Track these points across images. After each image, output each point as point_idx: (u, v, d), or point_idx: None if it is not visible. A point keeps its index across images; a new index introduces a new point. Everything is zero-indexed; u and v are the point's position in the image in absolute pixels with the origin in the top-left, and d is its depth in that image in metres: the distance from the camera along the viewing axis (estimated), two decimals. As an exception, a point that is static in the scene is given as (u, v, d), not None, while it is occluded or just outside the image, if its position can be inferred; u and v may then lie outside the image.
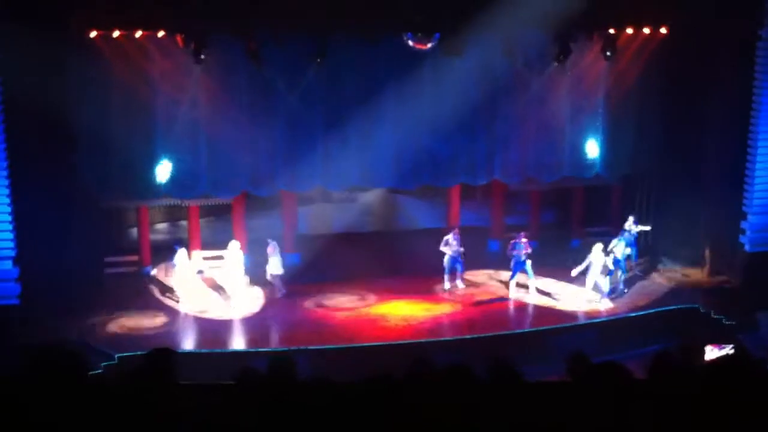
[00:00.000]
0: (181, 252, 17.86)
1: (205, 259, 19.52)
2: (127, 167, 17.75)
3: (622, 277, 18.70)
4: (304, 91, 18.34)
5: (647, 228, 19.64)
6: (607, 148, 20.08)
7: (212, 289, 18.53)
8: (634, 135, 20.02)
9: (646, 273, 19.93)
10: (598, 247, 17.81)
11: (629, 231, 19.06)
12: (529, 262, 18.25)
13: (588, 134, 20.01)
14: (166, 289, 18.36)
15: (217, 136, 18.18)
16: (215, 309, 17.68)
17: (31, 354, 4.65)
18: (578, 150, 20.06)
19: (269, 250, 18.14)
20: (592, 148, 20.08)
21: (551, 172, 20.13)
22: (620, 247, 18.42)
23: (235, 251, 17.70)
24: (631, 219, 19.29)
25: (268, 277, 18.31)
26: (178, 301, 17.84)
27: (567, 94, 19.59)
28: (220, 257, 18.71)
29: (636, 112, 19.92)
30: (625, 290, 18.64)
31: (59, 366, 4.58)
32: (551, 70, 19.15)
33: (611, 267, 18.03)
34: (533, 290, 18.49)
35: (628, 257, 18.99)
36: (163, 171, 18.04)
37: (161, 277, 19.00)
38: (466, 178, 20.03)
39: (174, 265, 17.90)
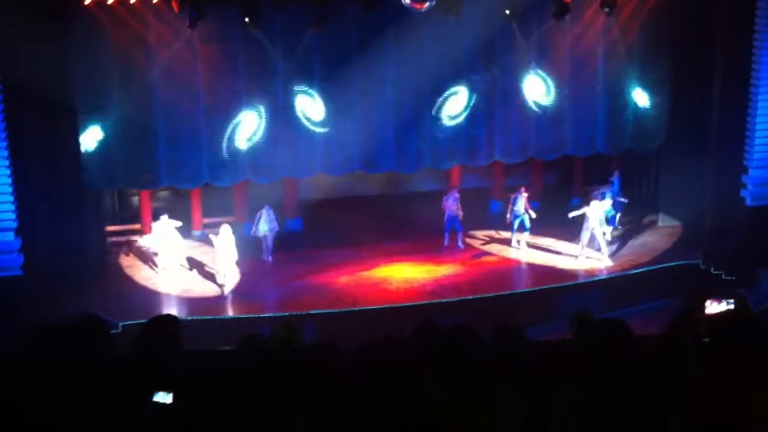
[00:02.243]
0: (164, 219, 17.65)
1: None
2: (127, 148, 17.64)
3: (613, 232, 18.80)
4: (301, 63, 18.16)
5: (624, 200, 19.63)
6: (607, 123, 19.98)
7: (195, 261, 18.44)
8: (635, 107, 19.90)
9: (646, 229, 19.96)
10: (595, 202, 17.85)
11: (616, 187, 19.11)
12: (527, 217, 18.32)
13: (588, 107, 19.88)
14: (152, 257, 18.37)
15: (215, 121, 18.08)
16: (195, 285, 17.49)
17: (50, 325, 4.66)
18: (581, 127, 19.96)
19: (260, 213, 18.04)
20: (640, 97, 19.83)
21: (554, 150, 20.06)
22: (606, 203, 18.48)
23: (225, 235, 17.13)
24: (616, 174, 19.35)
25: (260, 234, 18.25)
26: (156, 269, 17.84)
27: (567, 58, 19.40)
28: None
29: (636, 75, 19.76)
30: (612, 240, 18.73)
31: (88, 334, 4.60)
32: (550, 29, 18.96)
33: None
34: (524, 244, 18.57)
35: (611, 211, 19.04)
36: (90, 138, 17.40)
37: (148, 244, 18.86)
38: (466, 160, 19.84)
39: (155, 233, 17.80)
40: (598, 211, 17.76)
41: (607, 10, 18.52)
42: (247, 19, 16.98)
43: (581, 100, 19.78)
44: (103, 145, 17.47)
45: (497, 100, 19.41)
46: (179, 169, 18.19)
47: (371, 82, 18.46)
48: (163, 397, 4.47)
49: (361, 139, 18.81)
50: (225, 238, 17.05)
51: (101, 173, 17.66)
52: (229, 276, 17.26)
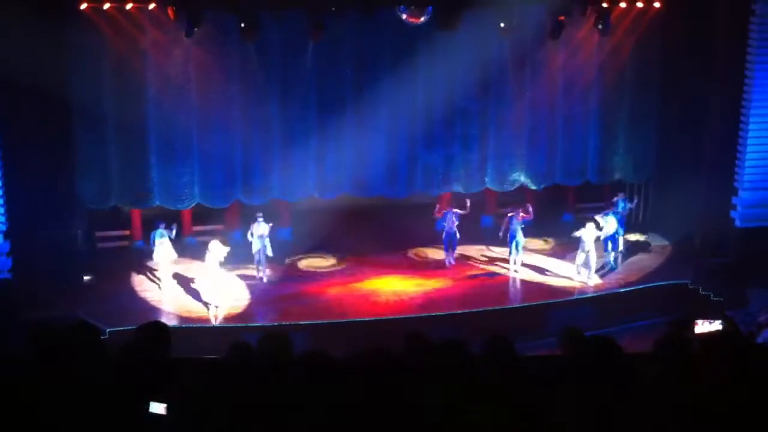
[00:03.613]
0: (162, 231, 17.33)
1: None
2: (121, 165, 17.76)
3: (614, 254, 18.75)
4: (296, 85, 18.29)
5: (631, 205, 19.63)
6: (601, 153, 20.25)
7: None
8: (629, 139, 20.14)
9: (636, 249, 20.00)
10: (591, 225, 17.84)
11: (618, 208, 19.01)
12: (522, 239, 18.27)
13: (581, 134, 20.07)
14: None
15: (209, 140, 18.13)
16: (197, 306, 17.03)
17: (41, 329, 4.64)
18: (571, 155, 20.16)
19: (254, 227, 17.60)
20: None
21: (545, 178, 20.21)
22: (611, 224, 18.43)
23: (215, 250, 16.65)
24: (620, 195, 19.31)
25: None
26: (159, 283, 17.67)
27: (560, 87, 19.56)
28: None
29: (630, 98, 19.90)
30: (615, 266, 18.69)
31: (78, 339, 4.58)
32: (543, 58, 19.15)
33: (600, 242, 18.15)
34: (519, 265, 18.54)
35: (617, 233, 19.02)
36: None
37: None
38: (458, 187, 19.80)
39: (153, 245, 17.47)
40: (591, 234, 17.73)
41: (600, 27, 18.64)
42: (243, 25, 17.06)
43: (573, 130, 19.94)
44: (97, 161, 17.55)
45: (490, 127, 19.63)
46: (171, 188, 18.21)
47: (365, 106, 18.61)
48: (157, 408, 4.45)
49: (354, 163, 18.98)
50: (214, 254, 16.62)
51: (95, 189, 17.71)
52: (219, 299, 16.76)
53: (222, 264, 16.83)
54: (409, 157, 19.37)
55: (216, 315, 16.55)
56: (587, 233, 17.71)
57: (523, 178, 20.11)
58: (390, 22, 17.98)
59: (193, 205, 18.78)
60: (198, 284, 17.35)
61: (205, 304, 16.69)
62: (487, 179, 20.01)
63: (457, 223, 18.46)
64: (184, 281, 17.81)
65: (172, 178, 18.19)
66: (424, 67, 18.73)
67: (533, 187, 20.10)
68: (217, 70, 17.93)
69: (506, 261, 18.66)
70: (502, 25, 18.37)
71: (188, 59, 17.72)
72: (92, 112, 17.18)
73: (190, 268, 18.23)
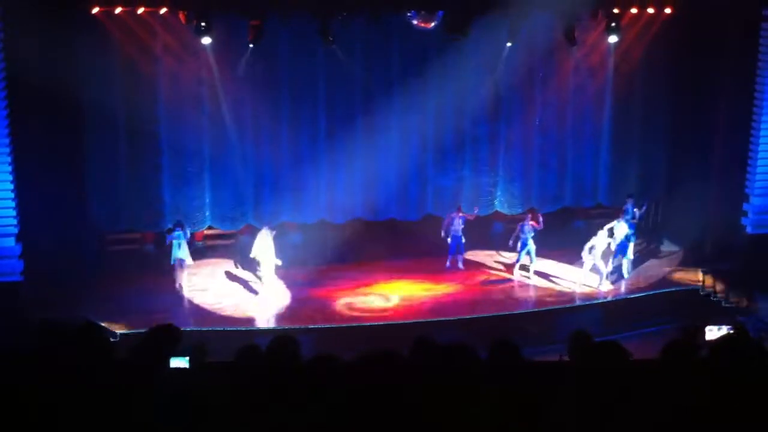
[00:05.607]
0: (178, 233, 17.36)
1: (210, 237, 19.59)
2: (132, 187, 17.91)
3: (625, 260, 18.68)
4: (306, 109, 18.44)
5: (641, 212, 19.52)
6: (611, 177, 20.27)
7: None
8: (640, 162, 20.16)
9: (648, 254, 19.93)
10: (603, 232, 17.79)
11: (628, 214, 18.91)
12: (533, 246, 18.24)
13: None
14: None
15: (219, 164, 18.28)
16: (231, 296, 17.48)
17: (50, 329, 4.66)
18: (583, 178, 20.21)
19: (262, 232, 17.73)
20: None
21: (555, 201, 20.19)
22: (622, 230, 18.37)
23: (263, 238, 17.24)
24: (630, 202, 19.21)
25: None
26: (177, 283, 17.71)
27: (570, 107, 19.57)
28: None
29: (641, 109, 19.86)
30: (627, 273, 18.61)
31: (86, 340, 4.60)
32: (553, 80, 19.17)
33: (612, 249, 18.08)
34: (533, 273, 18.50)
35: (628, 239, 18.95)
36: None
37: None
38: (468, 209, 19.44)
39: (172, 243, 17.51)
40: (604, 241, 17.68)
41: (612, 33, 18.57)
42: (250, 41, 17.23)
43: (584, 150, 19.93)
44: (108, 184, 17.72)
45: (500, 150, 19.59)
46: (183, 210, 18.19)
47: (375, 129, 18.73)
48: (180, 362, 4.45)
49: (365, 186, 19.06)
50: (262, 241, 17.08)
51: (105, 212, 17.83)
52: (270, 286, 17.32)
53: (270, 254, 17.16)
54: (420, 180, 19.45)
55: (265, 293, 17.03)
56: (599, 241, 17.64)
57: (533, 202, 20.10)
58: (401, 42, 18.21)
59: (203, 228, 18.80)
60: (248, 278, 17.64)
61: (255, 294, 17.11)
62: (496, 202, 20.07)
63: (462, 227, 18.47)
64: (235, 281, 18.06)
65: (183, 201, 18.19)
66: (435, 89, 18.84)
67: (543, 211, 19.73)
68: (229, 82, 17.94)
69: (518, 267, 18.64)
70: (509, 44, 18.34)
71: (200, 65, 17.76)
72: (104, 115, 17.22)
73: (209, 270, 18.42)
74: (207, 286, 17.89)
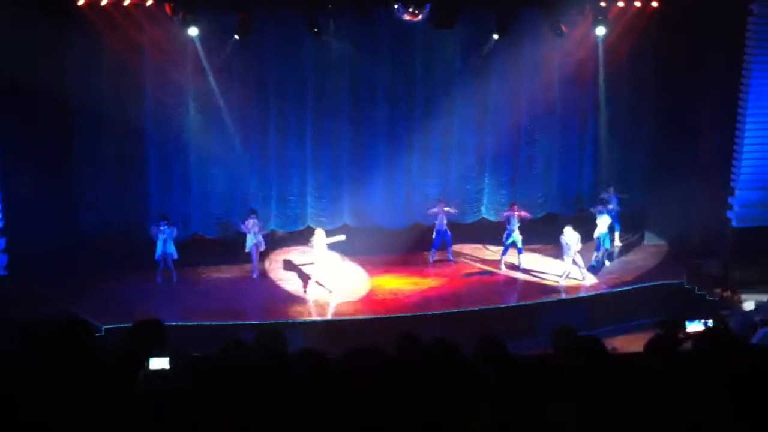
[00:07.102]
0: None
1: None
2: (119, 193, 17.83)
3: (607, 252, 18.76)
4: (292, 114, 18.35)
5: (625, 196, 19.58)
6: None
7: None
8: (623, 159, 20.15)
9: (632, 248, 20.03)
10: (568, 229, 17.68)
11: (610, 204, 18.94)
12: (520, 238, 18.30)
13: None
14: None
15: (206, 172, 18.20)
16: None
17: (34, 326, 4.64)
18: (568, 184, 20.16)
19: (248, 224, 17.74)
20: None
21: (541, 207, 20.09)
22: (603, 221, 18.44)
23: (319, 238, 17.21)
24: (611, 190, 19.27)
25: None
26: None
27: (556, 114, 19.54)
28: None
29: (627, 102, 19.89)
30: (607, 263, 18.67)
31: (67, 337, 4.58)
32: (540, 87, 19.11)
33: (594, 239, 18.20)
34: (521, 266, 18.55)
35: (611, 229, 19.02)
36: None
37: None
38: (455, 216, 19.31)
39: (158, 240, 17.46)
40: (573, 237, 17.64)
41: (599, 26, 18.56)
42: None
43: (568, 157, 19.94)
44: (95, 189, 17.64)
45: (487, 157, 19.59)
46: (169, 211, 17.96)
47: (362, 137, 18.71)
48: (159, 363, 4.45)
49: (351, 194, 19.03)
50: (318, 241, 17.09)
51: (93, 218, 17.72)
52: (331, 281, 17.35)
53: (327, 252, 17.20)
54: (407, 188, 19.41)
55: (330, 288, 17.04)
56: (568, 237, 17.61)
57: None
58: (391, 41, 18.17)
59: (188, 237, 18.56)
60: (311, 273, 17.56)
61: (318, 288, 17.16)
62: (483, 209, 20.04)
63: (446, 221, 18.51)
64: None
65: (169, 209, 17.98)
66: (420, 103, 18.86)
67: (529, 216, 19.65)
68: (215, 73, 17.79)
69: (504, 260, 18.71)
70: (495, 37, 18.34)
71: (186, 58, 17.66)
72: (89, 109, 17.08)
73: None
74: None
